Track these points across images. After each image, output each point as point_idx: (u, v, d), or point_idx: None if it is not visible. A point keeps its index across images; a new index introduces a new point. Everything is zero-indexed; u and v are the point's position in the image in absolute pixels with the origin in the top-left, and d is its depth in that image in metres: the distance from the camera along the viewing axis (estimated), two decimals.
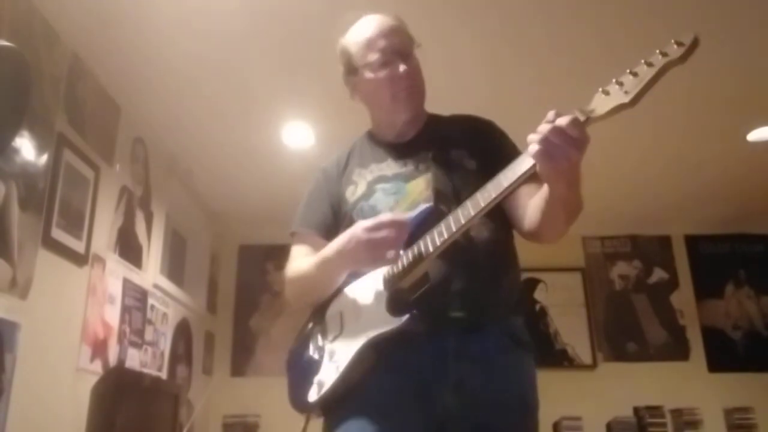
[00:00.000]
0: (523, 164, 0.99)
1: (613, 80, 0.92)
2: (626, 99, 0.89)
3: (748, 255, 4.54)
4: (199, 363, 3.93)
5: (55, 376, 2.21)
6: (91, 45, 2.42)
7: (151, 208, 3.17)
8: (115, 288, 2.72)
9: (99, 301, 2.54)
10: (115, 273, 2.71)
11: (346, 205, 1.32)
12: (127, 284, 2.82)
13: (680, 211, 4.32)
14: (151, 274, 3.14)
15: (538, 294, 4.46)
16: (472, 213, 1.04)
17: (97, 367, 2.49)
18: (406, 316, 1.09)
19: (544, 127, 0.94)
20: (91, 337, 2.45)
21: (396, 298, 1.13)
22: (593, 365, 4.27)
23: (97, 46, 2.43)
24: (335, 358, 1.19)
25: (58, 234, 2.24)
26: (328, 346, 1.23)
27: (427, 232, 1.11)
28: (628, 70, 0.91)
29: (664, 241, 4.59)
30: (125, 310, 2.79)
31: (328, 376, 1.18)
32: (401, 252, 1.13)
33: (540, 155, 0.94)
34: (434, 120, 1.40)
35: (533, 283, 4.48)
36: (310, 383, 1.21)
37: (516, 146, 1.29)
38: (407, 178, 1.28)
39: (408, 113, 1.34)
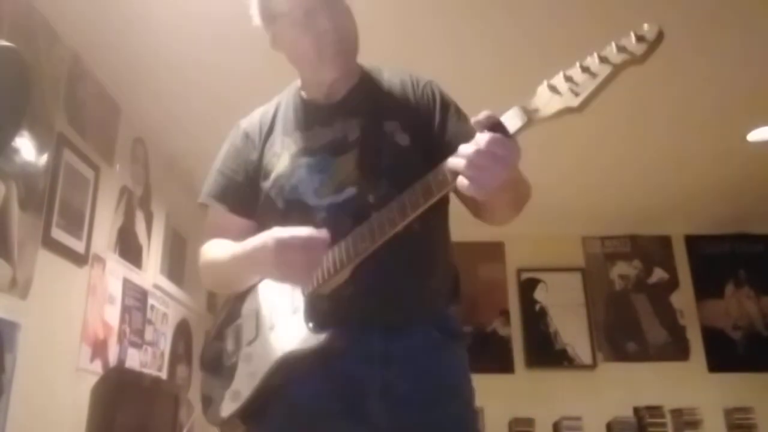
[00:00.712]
0: (452, 172, 0.91)
1: (562, 74, 0.82)
2: (574, 103, 0.79)
3: (748, 255, 4.54)
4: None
5: (55, 376, 2.21)
6: (91, 45, 2.42)
7: (151, 208, 3.17)
8: (115, 288, 2.71)
9: (99, 301, 2.54)
10: (115, 273, 2.70)
11: (266, 180, 1.18)
12: (127, 284, 2.82)
13: (680, 211, 4.31)
14: (151, 274, 3.14)
15: (538, 294, 4.46)
16: (397, 221, 0.97)
17: (97, 367, 2.48)
18: (326, 334, 1.00)
19: (466, 151, 0.87)
20: (91, 337, 2.45)
21: (314, 307, 1.04)
22: (593, 365, 4.27)
23: (97, 46, 2.43)
24: (250, 367, 1.09)
25: (58, 234, 2.23)
26: (244, 350, 1.12)
27: (350, 229, 1.02)
28: (578, 64, 0.80)
29: (664, 241, 4.59)
30: (125, 310, 2.78)
31: (242, 386, 1.09)
32: (311, 273, 1.04)
33: (468, 186, 0.87)
34: (368, 78, 1.25)
35: (533, 283, 4.48)
36: (222, 393, 1.11)
37: (459, 110, 1.20)
38: (335, 152, 1.14)
39: (336, 71, 1.18)
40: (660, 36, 0.76)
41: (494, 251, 4.48)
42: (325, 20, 1.14)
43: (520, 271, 4.48)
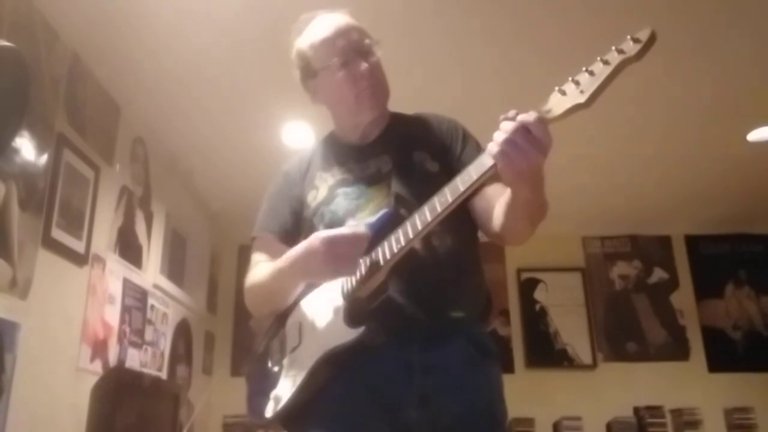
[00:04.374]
0: (482, 166, 0.97)
1: (570, 78, 0.90)
2: (582, 99, 0.88)
3: (748, 255, 4.55)
4: (199, 363, 3.93)
5: (55, 376, 2.21)
6: (91, 45, 2.42)
7: (151, 208, 3.17)
8: (115, 288, 2.71)
9: (99, 301, 2.54)
10: (115, 273, 2.71)
11: (308, 210, 1.29)
12: (127, 284, 2.82)
13: (680, 211, 4.31)
14: (151, 274, 3.14)
15: (538, 294, 4.47)
16: (429, 218, 1.02)
17: (97, 367, 2.48)
18: (363, 328, 1.05)
19: (505, 126, 0.93)
20: (91, 337, 2.45)
21: (354, 308, 1.09)
22: (593, 365, 4.27)
23: (97, 46, 2.43)
24: (292, 371, 1.16)
25: (58, 234, 2.23)
26: (287, 359, 1.19)
27: (386, 238, 1.08)
28: (584, 68, 0.89)
29: (664, 241, 4.59)
30: (125, 310, 2.79)
31: (284, 390, 1.15)
32: (359, 261, 1.09)
33: (500, 156, 0.93)
34: (397, 120, 1.37)
35: (533, 283, 4.48)
36: (267, 397, 1.18)
37: (479, 145, 1.28)
38: (369, 182, 1.25)
39: (372, 112, 1.30)
40: (652, 37, 0.84)
41: (494, 251, 4.46)
42: (360, 66, 1.26)
43: (520, 271, 4.48)
